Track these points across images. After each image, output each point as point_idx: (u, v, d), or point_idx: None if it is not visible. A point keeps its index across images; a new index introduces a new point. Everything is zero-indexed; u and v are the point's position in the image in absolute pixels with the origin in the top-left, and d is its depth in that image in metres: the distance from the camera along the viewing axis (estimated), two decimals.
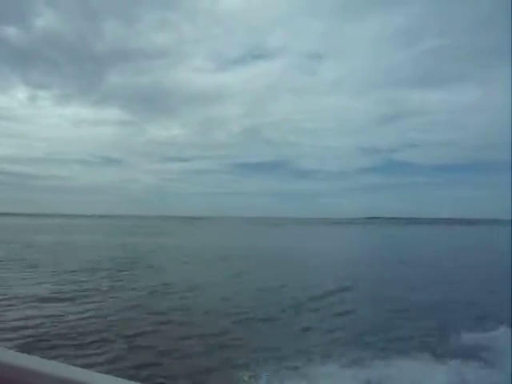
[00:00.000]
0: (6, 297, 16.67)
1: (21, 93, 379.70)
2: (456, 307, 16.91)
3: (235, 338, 12.25)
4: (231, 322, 14.15)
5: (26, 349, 10.23)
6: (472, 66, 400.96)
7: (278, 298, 18.21)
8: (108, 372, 2.08)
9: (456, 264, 32.35)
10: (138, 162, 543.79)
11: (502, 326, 12.09)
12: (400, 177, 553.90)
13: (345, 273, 26.50)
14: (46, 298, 16.82)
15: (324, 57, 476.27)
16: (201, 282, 21.92)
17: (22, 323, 12.98)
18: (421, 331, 13.02)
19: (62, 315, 14.15)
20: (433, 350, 10.89)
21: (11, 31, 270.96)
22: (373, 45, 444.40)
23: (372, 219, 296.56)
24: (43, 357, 1.65)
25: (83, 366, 1.56)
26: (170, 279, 22.25)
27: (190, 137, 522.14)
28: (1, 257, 30.55)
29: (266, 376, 8.89)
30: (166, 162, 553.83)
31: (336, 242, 64.41)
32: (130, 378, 1.61)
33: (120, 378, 1.52)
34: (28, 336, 11.72)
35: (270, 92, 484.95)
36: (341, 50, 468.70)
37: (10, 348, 1.75)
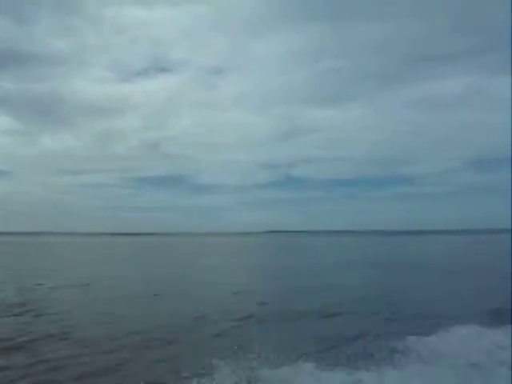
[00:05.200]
0: None
1: None
2: None
3: None
4: None
5: None
6: (363, 87, 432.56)
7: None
8: None
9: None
10: (28, 174, 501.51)
11: None
12: (298, 191, 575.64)
13: None
14: None
15: (226, 72, 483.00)
16: None
17: None
18: None
19: None
20: None
21: None
22: (275, 62, 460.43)
23: (271, 233, 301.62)
24: None
25: None
26: None
27: (86, 149, 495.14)
28: None
29: None
30: (59, 174, 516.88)
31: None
32: None
33: None
34: None
35: (170, 105, 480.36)
36: (244, 66, 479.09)
37: None
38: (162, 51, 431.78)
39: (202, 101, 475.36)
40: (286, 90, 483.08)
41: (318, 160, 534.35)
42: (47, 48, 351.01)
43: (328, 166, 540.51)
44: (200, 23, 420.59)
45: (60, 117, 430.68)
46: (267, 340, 10.22)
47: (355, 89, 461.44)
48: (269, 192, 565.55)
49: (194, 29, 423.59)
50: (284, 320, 14.08)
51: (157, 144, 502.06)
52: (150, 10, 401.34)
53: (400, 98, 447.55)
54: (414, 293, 19.98)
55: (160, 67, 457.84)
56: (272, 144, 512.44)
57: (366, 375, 7.77)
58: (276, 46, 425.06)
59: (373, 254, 54.40)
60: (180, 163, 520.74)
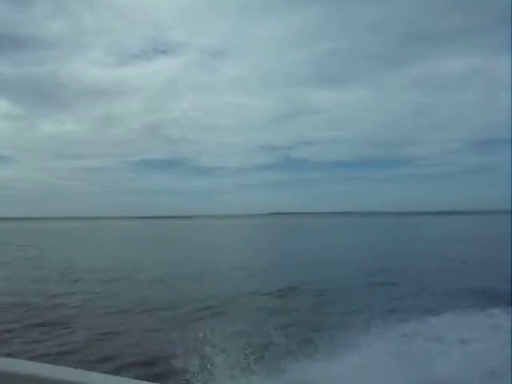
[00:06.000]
0: None
1: None
2: None
3: None
4: None
5: None
6: (363, 68, 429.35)
7: None
8: None
9: None
10: (28, 159, 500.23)
11: None
12: (298, 173, 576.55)
13: None
14: None
15: (226, 54, 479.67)
16: None
17: None
18: None
19: None
20: None
21: None
22: (274, 44, 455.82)
23: (272, 215, 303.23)
24: None
25: None
26: None
27: (86, 133, 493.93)
28: None
29: None
30: (59, 159, 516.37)
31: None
32: None
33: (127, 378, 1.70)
34: None
35: (170, 88, 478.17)
36: (243, 48, 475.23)
37: None
38: (161, 34, 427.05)
39: (202, 83, 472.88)
40: (285, 72, 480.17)
41: (318, 142, 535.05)
42: (45, 31, 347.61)
43: (328, 148, 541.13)
44: (199, 5, 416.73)
45: (59, 101, 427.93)
46: None
47: (355, 70, 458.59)
48: (269, 174, 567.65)
49: (193, 11, 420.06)
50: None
51: (157, 127, 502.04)
52: None
53: (401, 78, 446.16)
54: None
55: (159, 50, 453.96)
56: (272, 126, 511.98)
57: None
58: (275, 28, 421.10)
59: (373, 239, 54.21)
60: (180, 146, 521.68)
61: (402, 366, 6.87)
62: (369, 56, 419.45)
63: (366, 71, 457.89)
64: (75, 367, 1.77)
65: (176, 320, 11.79)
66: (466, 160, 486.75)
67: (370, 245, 38.74)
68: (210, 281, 19.15)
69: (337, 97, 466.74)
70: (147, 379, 6.34)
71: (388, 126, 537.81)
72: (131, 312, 13.02)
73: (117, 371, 7.79)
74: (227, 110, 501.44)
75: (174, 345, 8.84)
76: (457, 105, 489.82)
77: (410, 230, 65.62)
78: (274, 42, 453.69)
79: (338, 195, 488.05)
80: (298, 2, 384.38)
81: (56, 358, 8.58)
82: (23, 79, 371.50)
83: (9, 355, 7.50)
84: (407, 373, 6.61)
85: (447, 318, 9.86)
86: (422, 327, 9.21)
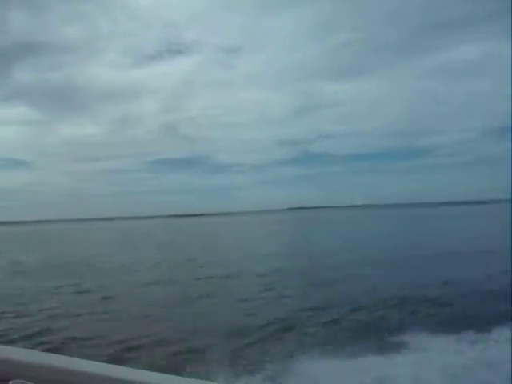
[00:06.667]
0: None
1: None
2: None
3: None
4: None
5: None
6: (379, 59, 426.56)
7: None
8: None
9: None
10: (49, 164, 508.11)
11: None
12: (317, 167, 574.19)
13: None
14: None
15: (240, 50, 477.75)
16: None
17: None
18: None
19: None
20: None
21: None
22: (288, 38, 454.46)
23: (292, 210, 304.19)
24: None
25: None
26: None
27: (104, 135, 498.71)
28: None
29: None
30: (80, 162, 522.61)
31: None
32: None
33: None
34: None
35: (186, 87, 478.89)
36: (257, 43, 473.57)
37: None
38: (175, 33, 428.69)
39: (218, 81, 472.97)
40: (301, 66, 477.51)
41: (336, 135, 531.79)
42: (61, 36, 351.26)
43: (346, 141, 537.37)
44: (211, 3, 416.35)
45: (77, 104, 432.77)
46: None
47: (370, 61, 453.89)
48: (288, 169, 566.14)
49: (206, 9, 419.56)
50: None
51: (174, 126, 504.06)
52: None
53: (416, 68, 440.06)
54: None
55: (174, 49, 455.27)
56: (289, 121, 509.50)
57: None
58: (289, 22, 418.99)
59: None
60: (198, 144, 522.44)
61: None
62: (383, 47, 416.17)
63: (380, 62, 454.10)
64: None
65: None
66: (483, 149, 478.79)
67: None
68: None
69: (353, 89, 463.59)
70: None
71: (405, 116, 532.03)
72: None
73: None
74: (244, 107, 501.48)
75: None
76: (473, 92, 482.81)
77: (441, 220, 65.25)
78: (287, 36, 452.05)
79: (357, 188, 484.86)
80: None
81: None
82: (41, 84, 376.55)
83: None
84: None
85: None
86: None
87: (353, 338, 9.39)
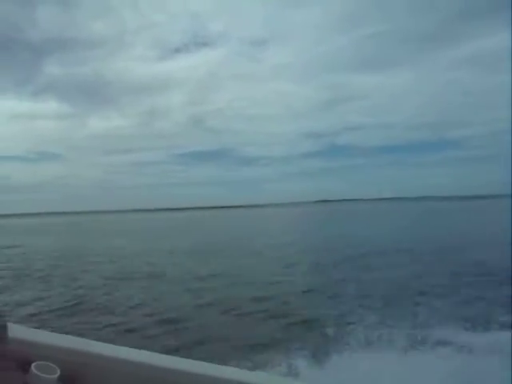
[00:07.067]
0: None
1: None
2: None
3: None
4: None
5: None
6: (406, 50, 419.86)
7: None
8: None
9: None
10: (79, 156, 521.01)
11: None
12: (343, 160, 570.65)
13: None
14: None
15: (267, 43, 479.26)
16: None
17: None
18: None
19: None
20: None
21: None
22: (315, 31, 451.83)
23: (319, 202, 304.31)
24: None
25: None
26: None
27: (133, 128, 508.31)
28: None
29: None
30: (109, 154, 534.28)
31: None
32: None
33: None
34: None
35: (213, 79, 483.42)
36: (283, 36, 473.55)
37: None
38: (201, 26, 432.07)
39: (244, 73, 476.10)
40: (327, 58, 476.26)
41: (363, 127, 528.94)
42: (89, 31, 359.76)
43: (373, 133, 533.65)
44: None
45: (106, 98, 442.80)
46: None
47: (397, 53, 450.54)
48: (315, 161, 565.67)
49: (232, 1, 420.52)
50: None
51: (201, 119, 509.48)
52: None
53: (443, 59, 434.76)
54: None
55: (200, 42, 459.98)
56: (316, 113, 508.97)
57: None
58: (315, 14, 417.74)
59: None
60: (225, 137, 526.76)
61: None
62: (410, 38, 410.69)
63: (407, 53, 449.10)
64: None
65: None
66: None
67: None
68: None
69: (380, 81, 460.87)
70: None
71: (433, 108, 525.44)
72: None
73: None
74: (270, 99, 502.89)
75: None
76: (502, 82, 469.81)
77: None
78: (313, 28, 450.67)
79: (385, 180, 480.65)
80: None
81: None
82: (70, 79, 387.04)
83: None
84: None
85: None
86: None
87: None
